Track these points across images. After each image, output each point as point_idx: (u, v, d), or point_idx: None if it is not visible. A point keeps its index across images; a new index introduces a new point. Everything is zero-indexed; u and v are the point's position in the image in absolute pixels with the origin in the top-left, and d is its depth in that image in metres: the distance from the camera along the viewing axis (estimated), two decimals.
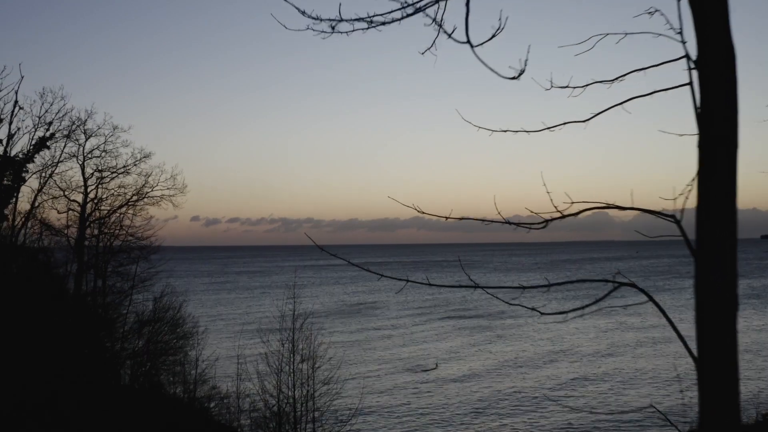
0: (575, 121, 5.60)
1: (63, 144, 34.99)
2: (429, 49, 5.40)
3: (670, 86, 4.99)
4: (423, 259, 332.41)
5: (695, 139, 4.60)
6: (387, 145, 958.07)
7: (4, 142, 31.92)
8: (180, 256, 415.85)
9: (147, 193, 37.90)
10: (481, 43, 4.93)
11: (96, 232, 36.88)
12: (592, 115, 5.58)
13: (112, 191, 37.71)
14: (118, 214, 37.54)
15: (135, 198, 37.71)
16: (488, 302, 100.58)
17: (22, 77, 31.66)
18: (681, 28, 4.84)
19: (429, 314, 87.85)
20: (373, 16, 5.04)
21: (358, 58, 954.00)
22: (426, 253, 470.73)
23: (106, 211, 37.48)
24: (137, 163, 37.66)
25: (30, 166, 32.81)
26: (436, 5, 5.06)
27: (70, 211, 37.06)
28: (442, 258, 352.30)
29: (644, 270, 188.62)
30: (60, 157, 35.30)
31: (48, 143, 33.42)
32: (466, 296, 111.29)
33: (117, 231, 37.30)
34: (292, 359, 22.66)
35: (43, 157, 34.30)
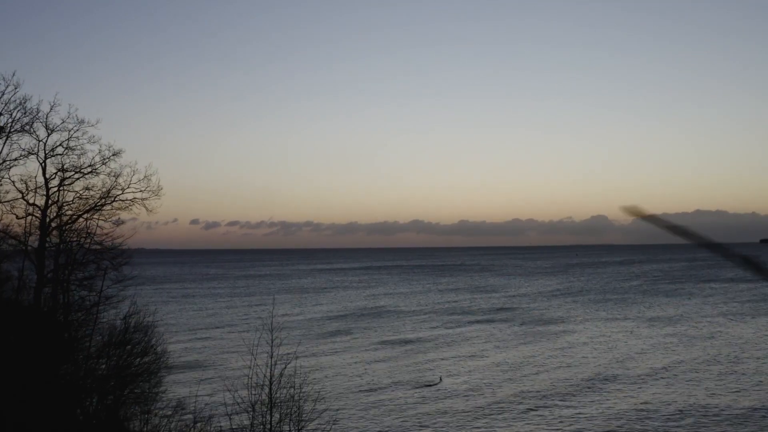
0: None
1: (5, 137, 30.30)
2: None
3: None
4: (429, 264, 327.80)
5: None
6: (387, 145, 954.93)
7: None
8: (179, 260, 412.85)
9: (117, 196, 33.30)
10: None
11: (58, 239, 32.27)
12: None
13: (78, 193, 33.12)
14: (83, 220, 32.89)
15: (103, 201, 33.10)
16: (496, 309, 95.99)
17: None
18: None
19: (434, 323, 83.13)
20: None
21: (357, 60, 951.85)
22: (428, 257, 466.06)
23: (70, 216, 32.86)
24: (106, 161, 33.08)
25: None
26: None
27: (29, 216, 32.45)
28: (448, 262, 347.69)
29: (664, 273, 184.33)
30: (11, 153, 30.69)
31: None
32: (474, 303, 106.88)
33: (83, 239, 32.68)
34: (269, 418, 18.08)
35: None
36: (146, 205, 33.30)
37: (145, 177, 33.45)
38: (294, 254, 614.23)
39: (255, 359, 18.37)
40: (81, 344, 31.19)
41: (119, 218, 33.58)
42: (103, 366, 31.01)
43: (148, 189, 33.40)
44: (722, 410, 39.04)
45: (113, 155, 32.90)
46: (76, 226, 32.85)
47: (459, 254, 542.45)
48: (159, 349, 31.13)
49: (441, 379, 47.74)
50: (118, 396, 30.68)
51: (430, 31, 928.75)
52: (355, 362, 56.29)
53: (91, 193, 32.99)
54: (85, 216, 32.92)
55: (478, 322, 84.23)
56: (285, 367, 18.70)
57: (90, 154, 32.95)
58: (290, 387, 19.24)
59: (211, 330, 77.53)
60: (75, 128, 32.59)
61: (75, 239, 32.62)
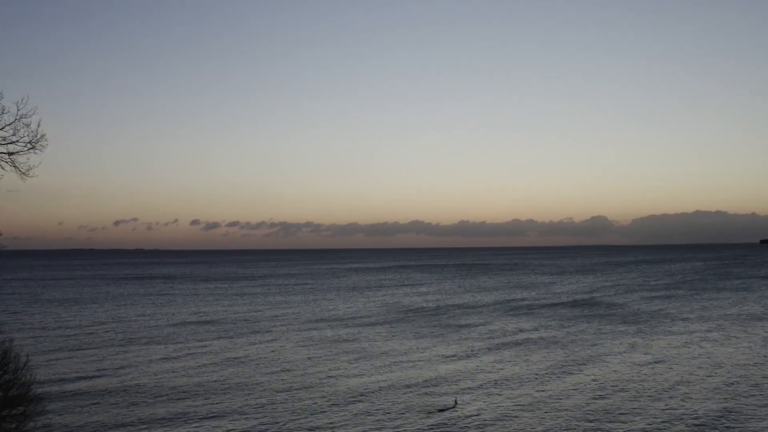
0: None
1: None
2: None
3: None
4: (439, 263, 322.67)
5: None
6: (387, 146, 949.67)
7: None
8: (179, 260, 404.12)
9: None
10: None
11: None
12: None
13: None
14: None
15: None
16: (513, 317, 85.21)
17: None
18: None
19: (446, 333, 71.65)
20: None
21: (357, 63, 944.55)
22: (431, 257, 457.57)
23: None
24: None
25: None
26: None
27: None
28: (459, 261, 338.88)
29: (693, 272, 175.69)
30: None
31: None
32: (485, 306, 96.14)
33: None
34: None
35: None
36: (17, 163, 21.41)
37: (17, 119, 21.54)
38: (294, 255, 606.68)
39: None
40: None
41: None
42: None
43: (22, 139, 21.52)
44: None
45: None
46: None
47: (460, 255, 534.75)
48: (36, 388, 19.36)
49: (456, 402, 40.11)
50: None
51: (430, 34, 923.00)
52: (356, 381, 46.90)
53: None
54: None
55: (492, 335, 73.01)
56: None
57: None
58: None
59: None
60: None
61: None
